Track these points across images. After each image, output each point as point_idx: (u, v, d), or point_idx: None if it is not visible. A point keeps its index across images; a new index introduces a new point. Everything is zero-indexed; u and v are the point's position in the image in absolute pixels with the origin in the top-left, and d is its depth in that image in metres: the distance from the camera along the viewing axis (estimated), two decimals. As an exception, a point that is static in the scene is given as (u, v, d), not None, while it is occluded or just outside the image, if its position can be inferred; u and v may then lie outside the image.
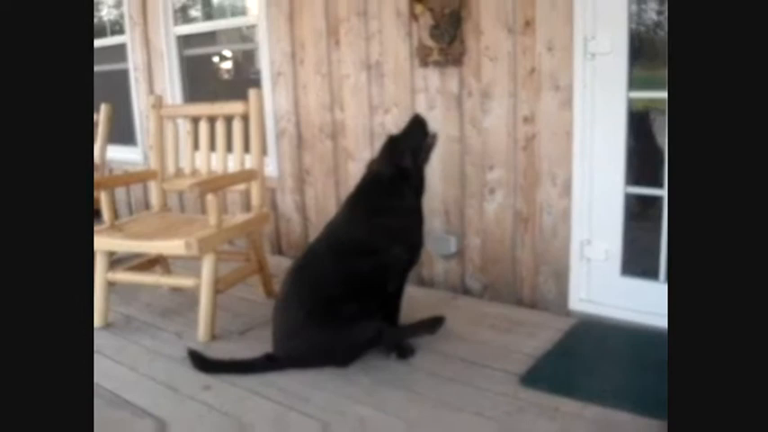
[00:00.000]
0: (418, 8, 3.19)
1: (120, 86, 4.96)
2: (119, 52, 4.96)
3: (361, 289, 2.55)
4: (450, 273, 3.39)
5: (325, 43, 3.65)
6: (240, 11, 4.41)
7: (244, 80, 4.57)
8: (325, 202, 3.89)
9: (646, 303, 2.81)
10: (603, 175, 2.86)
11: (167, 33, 4.56)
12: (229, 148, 3.27)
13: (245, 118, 3.20)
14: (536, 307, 3.12)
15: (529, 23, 2.88)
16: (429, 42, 3.18)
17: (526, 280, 3.14)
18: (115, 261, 3.37)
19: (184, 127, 3.44)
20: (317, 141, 3.83)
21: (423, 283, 3.48)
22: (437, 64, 3.19)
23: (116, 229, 3.10)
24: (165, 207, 3.48)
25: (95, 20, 5.35)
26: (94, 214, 3.83)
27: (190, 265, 3.15)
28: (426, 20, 3.17)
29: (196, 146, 3.38)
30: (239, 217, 3.29)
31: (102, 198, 3.11)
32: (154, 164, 3.49)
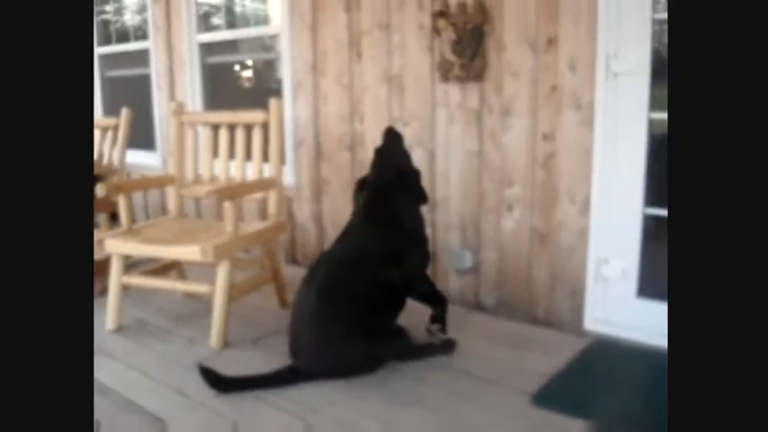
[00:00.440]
0: (441, 23, 3.20)
1: (141, 91, 5.01)
2: (141, 57, 5.01)
3: (392, 298, 2.65)
4: (465, 288, 3.37)
5: (347, 55, 3.66)
6: (263, 20, 4.45)
7: (264, 89, 4.59)
8: (341, 213, 3.88)
9: (661, 325, 2.74)
10: (622, 194, 2.84)
11: (190, 40, 4.59)
12: (248, 156, 3.28)
13: (265, 127, 3.21)
14: (551, 325, 3.09)
15: (552, 41, 2.88)
16: (451, 57, 3.18)
17: (541, 298, 3.12)
18: (130, 265, 3.38)
19: (204, 134, 3.45)
20: (335, 152, 3.84)
21: (437, 297, 3.46)
22: (458, 79, 3.19)
23: (133, 233, 3.12)
24: (181, 213, 3.50)
25: (119, 25, 5.42)
26: (112, 218, 3.88)
27: (205, 271, 3.15)
28: (449, 35, 3.18)
29: (215, 153, 3.40)
30: (255, 225, 3.29)
31: (121, 202, 3.13)
32: (173, 169, 3.51)
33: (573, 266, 3.00)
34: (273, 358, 2.74)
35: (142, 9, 5.01)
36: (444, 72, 3.22)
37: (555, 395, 2.41)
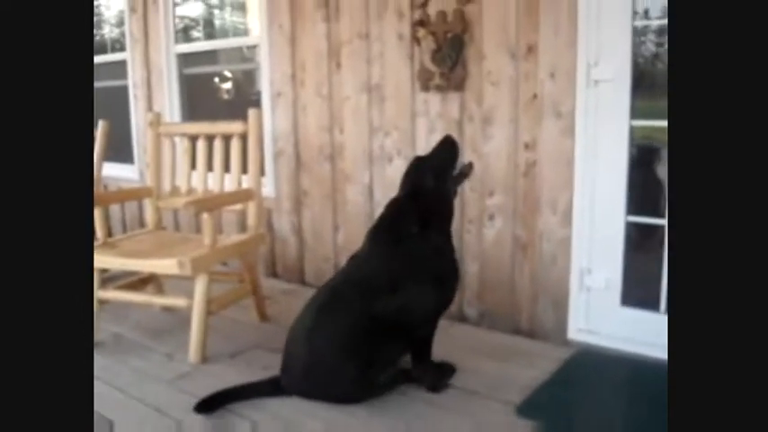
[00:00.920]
0: (421, 32, 3.18)
1: (119, 103, 4.94)
2: (119, 69, 4.95)
3: (387, 331, 2.35)
4: (447, 299, 3.34)
5: (327, 65, 3.63)
6: (242, 31, 4.41)
7: (244, 101, 4.55)
8: (321, 225, 3.85)
9: (646, 334, 2.76)
10: (605, 203, 2.83)
11: (168, 51, 4.55)
12: (227, 167, 3.23)
13: (244, 138, 3.16)
14: (534, 336, 3.06)
15: (531, 49, 2.87)
16: (431, 66, 3.16)
17: (524, 308, 3.09)
18: (107, 279, 3.32)
19: (182, 145, 3.40)
20: (315, 163, 3.80)
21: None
22: (438, 88, 3.17)
23: (109, 246, 3.06)
24: (159, 225, 3.44)
25: (97, 37, 5.35)
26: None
27: (183, 284, 3.10)
28: (428, 44, 3.16)
29: (193, 165, 3.35)
30: (234, 237, 3.25)
31: (96, 214, 3.07)
32: (150, 181, 3.46)
33: (556, 276, 2.98)
34: (253, 373, 2.69)
35: (120, 22, 4.95)
36: (424, 81, 3.20)
37: (540, 406, 2.38)
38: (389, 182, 3.44)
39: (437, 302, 2.48)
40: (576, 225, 2.89)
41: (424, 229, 2.45)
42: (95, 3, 5.31)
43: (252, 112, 3.15)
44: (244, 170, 3.18)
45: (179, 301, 2.92)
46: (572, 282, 2.94)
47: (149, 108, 4.66)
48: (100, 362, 2.82)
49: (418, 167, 2.56)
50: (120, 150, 4.90)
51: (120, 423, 2.29)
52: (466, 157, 3.12)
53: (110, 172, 4.57)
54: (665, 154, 2.76)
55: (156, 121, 3.44)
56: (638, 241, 2.98)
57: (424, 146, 3.27)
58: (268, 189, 3.96)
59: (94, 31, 5.38)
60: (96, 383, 2.62)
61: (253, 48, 4.24)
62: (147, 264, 2.92)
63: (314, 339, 2.38)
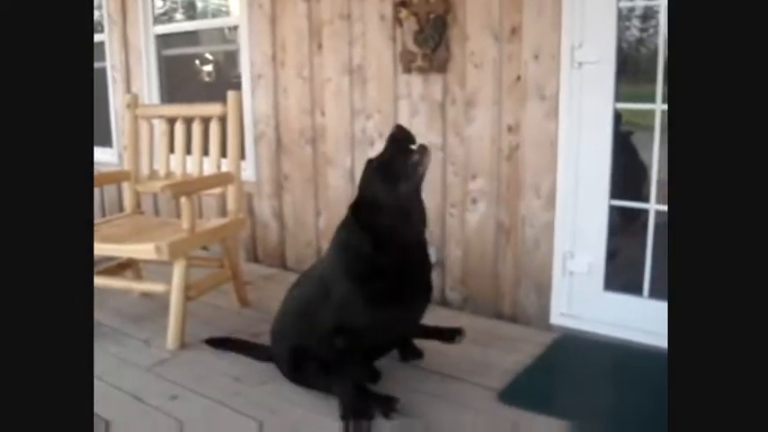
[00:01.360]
0: (403, 13, 3.13)
1: (97, 86, 4.83)
2: (97, 51, 4.84)
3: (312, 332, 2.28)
4: (430, 284, 3.31)
5: (308, 46, 3.57)
6: (223, 12, 4.33)
7: (224, 83, 4.47)
8: (303, 209, 3.80)
9: (628, 319, 2.75)
10: (588, 186, 2.80)
11: (146, 32, 4.45)
12: (206, 151, 3.18)
13: (223, 120, 3.10)
14: (517, 321, 3.05)
15: (515, 30, 2.83)
16: (413, 48, 3.11)
17: (507, 293, 3.07)
18: (84, 264, 3.25)
19: (160, 128, 3.34)
20: (296, 146, 3.75)
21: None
22: (421, 70, 3.12)
23: (85, 231, 2.99)
24: (138, 210, 3.38)
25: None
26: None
27: (162, 270, 3.05)
28: (411, 25, 3.11)
29: (171, 148, 3.29)
30: (214, 222, 3.20)
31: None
32: (127, 164, 3.40)
33: (538, 261, 2.96)
34: (232, 359, 2.66)
35: (99, 5, 4.83)
36: (407, 63, 3.15)
37: (522, 391, 2.37)
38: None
39: (360, 319, 2.17)
40: (560, 209, 2.86)
41: (357, 243, 2.15)
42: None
43: (231, 94, 3.10)
44: (223, 153, 3.13)
45: (157, 287, 2.88)
46: (555, 266, 2.92)
47: (128, 91, 4.57)
48: (76, 348, 2.78)
49: (364, 173, 2.22)
50: (99, 134, 4.81)
51: (99, 411, 2.24)
52: (449, 140, 3.10)
53: (88, 155, 4.49)
54: (648, 138, 2.73)
55: (134, 103, 3.37)
56: (622, 225, 2.96)
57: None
58: (248, 173, 3.90)
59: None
60: (72, 370, 2.57)
61: (234, 29, 4.16)
62: (125, 249, 2.87)
63: (278, 315, 2.51)
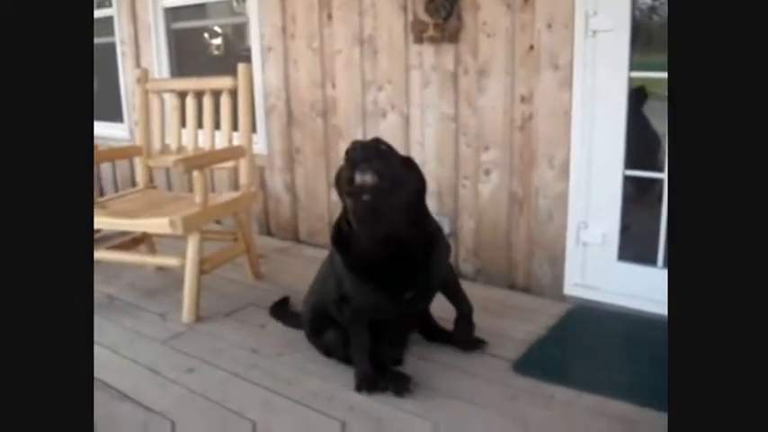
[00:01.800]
0: (414, -19, 3.09)
1: (107, 61, 4.83)
2: (106, 25, 4.82)
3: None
4: (443, 255, 3.31)
5: (318, 17, 3.54)
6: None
7: (234, 57, 4.43)
8: (315, 182, 3.80)
9: (642, 289, 2.74)
10: (602, 157, 2.77)
11: (155, 6, 4.42)
12: (217, 125, 3.17)
13: (234, 93, 3.09)
14: (530, 291, 3.05)
15: (528, -1, 2.79)
16: (424, 17, 3.08)
17: (520, 264, 3.07)
18: (99, 239, 3.28)
19: (171, 102, 3.33)
20: (307, 119, 3.73)
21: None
22: (432, 40, 3.08)
23: (100, 206, 3.01)
24: (150, 184, 3.39)
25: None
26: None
27: (176, 244, 3.07)
28: (422, -6, 3.07)
29: (183, 122, 3.28)
30: (226, 195, 3.20)
31: (85, 174, 3.01)
32: (139, 140, 3.40)
33: (552, 231, 2.95)
34: (247, 331, 2.68)
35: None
36: (418, 33, 3.12)
37: (536, 362, 2.37)
38: (383, 137, 3.37)
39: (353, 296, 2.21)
40: (573, 179, 2.84)
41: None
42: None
43: (242, 67, 3.08)
44: (234, 127, 3.12)
45: (172, 261, 2.89)
46: (568, 237, 2.91)
47: (138, 65, 4.55)
48: (93, 322, 2.80)
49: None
50: (110, 109, 4.81)
51: (114, 384, 2.27)
52: (461, 111, 3.07)
53: (100, 131, 4.49)
54: (662, 107, 2.70)
55: (144, 78, 3.36)
56: (636, 195, 2.94)
57: (418, 100, 3.21)
58: (260, 146, 3.90)
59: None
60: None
61: (243, 1, 4.12)
62: (139, 223, 2.89)
63: (311, 290, 2.52)
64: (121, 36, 4.70)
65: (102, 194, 3.17)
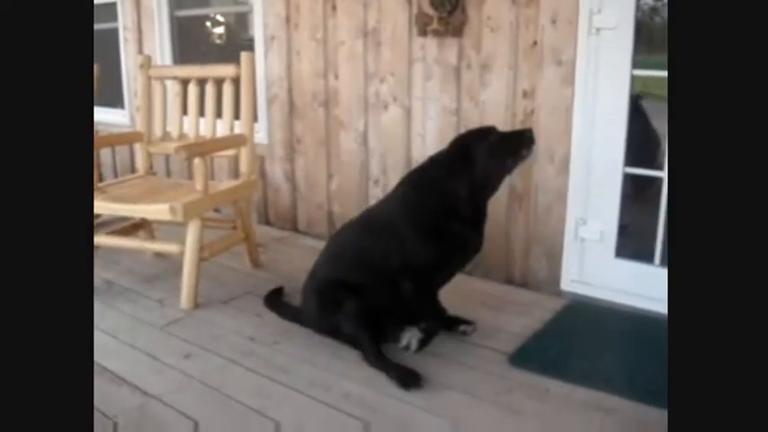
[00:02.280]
0: (419, -26, 3.09)
1: (109, 46, 4.82)
2: (108, 11, 4.81)
3: (365, 272, 2.36)
4: (441, 248, 3.32)
5: (321, 8, 3.54)
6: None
7: (236, 46, 4.45)
8: (315, 172, 3.80)
9: (639, 287, 2.76)
10: (602, 153, 2.79)
11: (158, -8, 4.42)
12: (219, 113, 3.17)
13: (236, 82, 3.10)
14: (527, 286, 3.06)
15: (533, -6, 2.80)
16: (429, 10, 3.08)
17: (518, 258, 3.08)
18: (98, 224, 3.28)
19: (173, 89, 3.33)
20: (309, 109, 3.74)
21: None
22: (436, 33, 3.09)
23: (100, 191, 3.01)
24: (150, 171, 3.39)
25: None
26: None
27: (175, 231, 3.07)
28: (427, -13, 3.07)
29: (184, 109, 3.28)
30: (226, 183, 3.21)
31: (86, 159, 3.01)
32: (140, 126, 3.40)
33: (550, 227, 2.96)
34: (245, 319, 2.69)
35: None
36: (422, 26, 3.12)
37: (531, 355, 2.39)
38: (384, 129, 3.40)
39: (425, 259, 2.34)
40: (573, 175, 2.85)
41: (449, 185, 2.34)
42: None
43: (245, 55, 3.08)
44: (236, 115, 3.13)
45: (171, 247, 2.90)
46: (566, 233, 2.92)
47: (140, 51, 4.55)
48: (91, 307, 2.81)
49: (477, 141, 2.39)
50: (111, 94, 4.80)
51: (113, 368, 2.28)
52: (463, 105, 3.08)
53: (101, 116, 4.49)
54: (662, 107, 2.71)
55: (147, 64, 3.36)
56: (635, 193, 2.96)
57: (421, 93, 3.21)
58: (261, 135, 3.90)
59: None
60: (87, 328, 2.61)
61: (246, -10, 4.13)
62: (139, 209, 2.89)
63: (319, 260, 2.57)
64: (124, 22, 4.69)
65: (101, 180, 3.15)
